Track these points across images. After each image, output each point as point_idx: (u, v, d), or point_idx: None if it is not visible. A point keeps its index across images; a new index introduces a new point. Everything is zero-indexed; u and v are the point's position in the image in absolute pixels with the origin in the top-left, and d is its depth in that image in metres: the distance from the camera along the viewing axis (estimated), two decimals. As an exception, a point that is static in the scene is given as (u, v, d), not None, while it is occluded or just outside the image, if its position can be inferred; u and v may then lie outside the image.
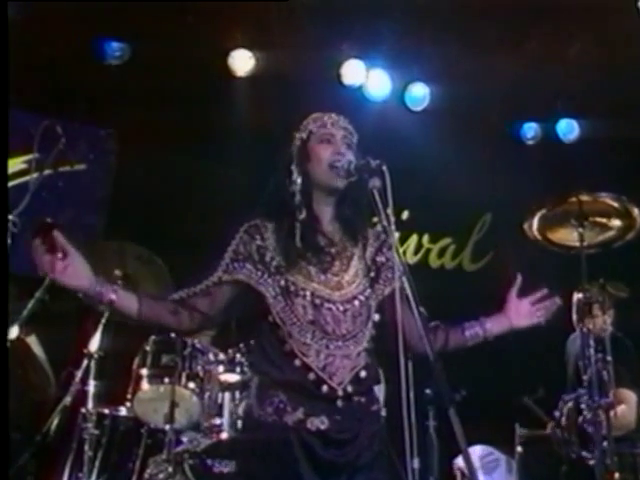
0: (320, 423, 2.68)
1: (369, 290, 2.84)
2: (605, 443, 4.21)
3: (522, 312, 3.03)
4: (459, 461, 5.09)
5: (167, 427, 4.47)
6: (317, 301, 2.74)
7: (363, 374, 2.75)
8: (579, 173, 6.20)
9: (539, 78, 6.22)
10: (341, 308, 2.76)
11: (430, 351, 2.47)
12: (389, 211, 2.62)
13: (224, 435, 4.60)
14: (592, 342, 4.23)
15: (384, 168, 2.68)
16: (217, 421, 4.75)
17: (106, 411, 4.73)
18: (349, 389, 2.71)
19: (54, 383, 4.87)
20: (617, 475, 4.25)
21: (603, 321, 4.48)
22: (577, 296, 4.35)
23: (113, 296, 2.67)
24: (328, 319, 2.73)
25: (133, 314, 2.72)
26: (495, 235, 6.96)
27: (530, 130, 7.00)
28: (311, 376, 2.68)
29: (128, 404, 4.75)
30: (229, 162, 6.10)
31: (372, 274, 2.89)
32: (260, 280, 2.76)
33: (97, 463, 4.60)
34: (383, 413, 2.90)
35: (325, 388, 2.68)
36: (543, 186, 6.05)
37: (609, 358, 4.27)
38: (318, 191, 2.86)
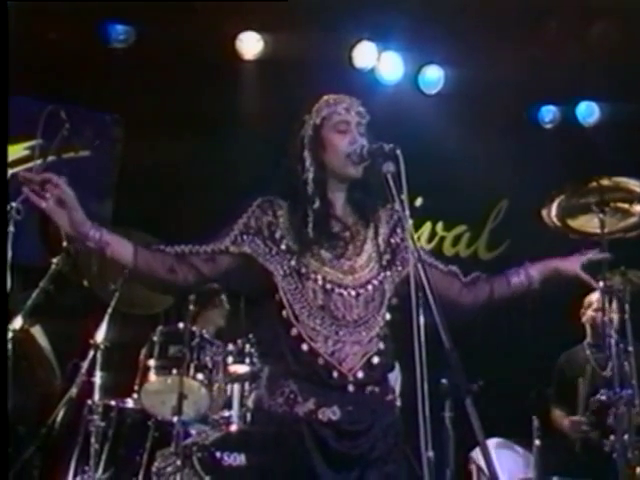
0: (332, 414, 2.61)
1: (383, 274, 2.77)
2: (627, 436, 4.10)
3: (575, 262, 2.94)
4: (475, 455, 4.98)
5: (175, 419, 4.39)
6: (328, 286, 2.67)
7: (376, 360, 2.67)
8: (599, 158, 6.07)
9: (558, 60, 6.05)
10: (353, 293, 2.69)
11: (446, 340, 2.37)
12: (403, 197, 2.54)
13: (233, 427, 4.53)
14: (613, 333, 4.09)
15: (398, 152, 2.60)
16: (226, 413, 4.70)
17: (112, 403, 4.66)
18: (360, 375, 2.63)
19: (59, 375, 4.78)
20: (639, 469, 4.14)
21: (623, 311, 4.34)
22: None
23: (105, 240, 2.58)
24: (338, 305, 2.67)
25: (127, 263, 2.63)
26: (512, 222, 6.80)
27: (548, 113, 6.84)
28: (320, 361, 2.61)
29: (135, 396, 4.68)
30: (237, 147, 5.96)
31: (387, 256, 2.81)
32: (267, 257, 2.70)
33: (103, 456, 4.52)
34: (398, 403, 2.77)
35: (335, 374, 2.61)
36: (562, 171, 5.88)
37: (630, 349, 4.13)
38: (332, 179, 2.79)
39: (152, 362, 4.60)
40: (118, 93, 5.73)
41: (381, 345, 2.70)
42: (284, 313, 2.66)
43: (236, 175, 5.93)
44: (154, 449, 4.60)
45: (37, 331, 4.73)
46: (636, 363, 4.17)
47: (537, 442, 4.60)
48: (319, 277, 2.67)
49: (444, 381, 2.70)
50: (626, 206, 4.16)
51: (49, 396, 4.76)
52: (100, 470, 4.49)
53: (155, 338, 4.67)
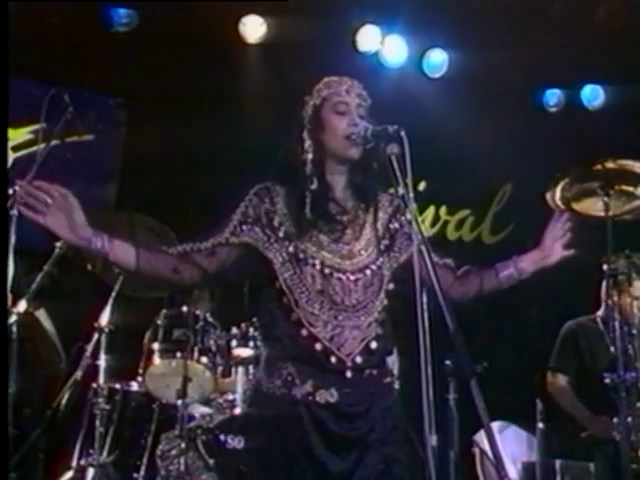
0: (329, 396, 2.61)
1: (381, 259, 2.77)
2: (630, 419, 4.11)
3: (557, 247, 2.94)
4: (478, 438, 4.99)
5: (179, 402, 4.41)
6: (327, 270, 2.66)
7: (374, 345, 2.67)
8: (604, 141, 6.04)
9: (563, 43, 6.03)
10: (352, 278, 2.69)
11: (450, 322, 2.39)
12: (408, 180, 2.52)
13: (237, 410, 4.54)
14: (617, 315, 4.09)
15: (402, 134, 2.58)
16: (230, 396, 4.71)
17: (117, 386, 4.68)
18: (358, 360, 2.64)
19: (64, 358, 4.79)
20: (640, 452, 4.16)
21: (629, 294, 4.34)
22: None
23: (107, 246, 2.56)
24: (337, 289, 2.66)
25: (130, 266, 2.62)
26: (516, 206, 6.79)
27: (553, 97, 6.80)
28: (318, 346, 2.61)
29: (140, 379, 4.70)
30: (241, 131, 5.95)
31: (386, 242, 2.81)
32: (266, 245, 2.70)
33: (108, 439, 4.54)
34: (396, 386, 2.79)
35: (334, 359, 2.61)
36: (566, 155, 5.88)
37: (634, 332, 4.14)
38: (331, 160, 2.78)
39: (156, 345, 4.62)
40: (121, 77, 5.71)
41: (379, 330, 2.70)
42: (284, 299, 2.65)
43: (239, 158, 5.92)
44: (159, 432, 4.62)
45: (42, 314, 4.73)
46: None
47: (540, 425, 4.62)
48: (317, 262, 2.66)
49: (448, 362, 2.70)
50: (631, 189, 4.15)
51: (54, 379, 4.78)
52: (105, 453, 4.51)
53: (159, 322, 4.68)
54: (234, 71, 6.00)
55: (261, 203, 2.72)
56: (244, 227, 2.69)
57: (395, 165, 2.55)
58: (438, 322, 2.45)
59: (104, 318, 4.52)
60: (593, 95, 6.78)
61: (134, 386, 4.77)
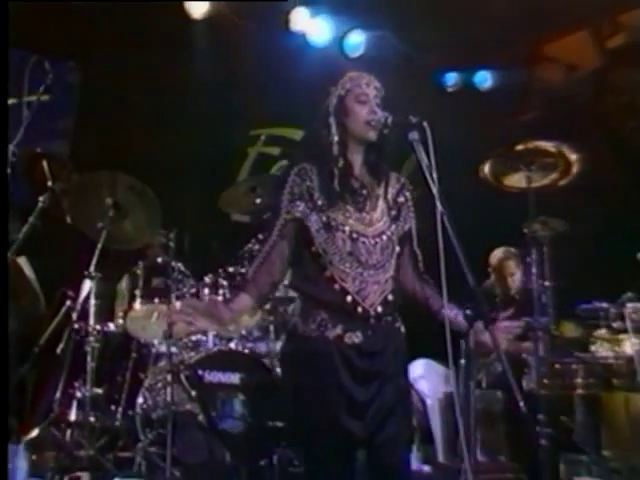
0: (355, 337, 3.12)
1: (393, 227, 3.32)
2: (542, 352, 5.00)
3: (501, 338, 3.18)
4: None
5: (156, 342, 4.99)
6: (354, 235, 3.18)
7: (390, 297, 3.18)
8: (495, 118, 6.94)
9: (463, 27, 6.78)
10: (372, 241, 3.19)
11: (470, 277, 3.03)
12: (432, 163, 3.19)
13: (214, 349, 5.12)
14: (534, 270, 4.98)
15: (425, 124, 3.22)
16: (193, 337, 5.29)
17: (98, 327, 5.08)
18: (379, 309, 3.13)
19: (43, 302, 5.09)
20: (546, 380, 5.05)
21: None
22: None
23: (237, 307, 3.14)
24: (362, 251, 3.16)
25: (251, 307, 3.21)
26: (417, 175, 7.56)
27: (451, 79, 7.62)
28: (348, 298, 3.10)
29: (120, 321, 5.20)
30: (184, 91, 6.46)
31: (394, 212, 3.34)
32: (309, 216, 3.21)
33: (93, 375, 4.97)
34: (402, 330, 3.26)
35: (360, 308, 3.11)
36: (463, 130, 6.75)
37: (547, 284, 5.01)
38: (352, 142, 3.31)
39: (138, 292, 5.15)
40: (73, 47, 6.06)
41: (393, 285, 3.24)
42: (320, 260, 3.16)
43: (180, 111, 6.47)
44: (135, 369, 5.19)
45: (23, 261, 5.00)
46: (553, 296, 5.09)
47: (462, 361, 5.40)
48: (346, 228, 3.17)
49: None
50: (549, 164, 5.05)
51: (34, 322, 5.09)
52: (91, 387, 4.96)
53: (138, 271, 5.20)
54: (179, 43, 6.43)
55: (302, 181, 3.21)
56: (293, 204, 3.18)
57: (417, 150, 3.21)
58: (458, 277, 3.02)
59: (93, 266, 4.96)
60: (483, 78, 7.64)
61: (112, 327, 5.26)
